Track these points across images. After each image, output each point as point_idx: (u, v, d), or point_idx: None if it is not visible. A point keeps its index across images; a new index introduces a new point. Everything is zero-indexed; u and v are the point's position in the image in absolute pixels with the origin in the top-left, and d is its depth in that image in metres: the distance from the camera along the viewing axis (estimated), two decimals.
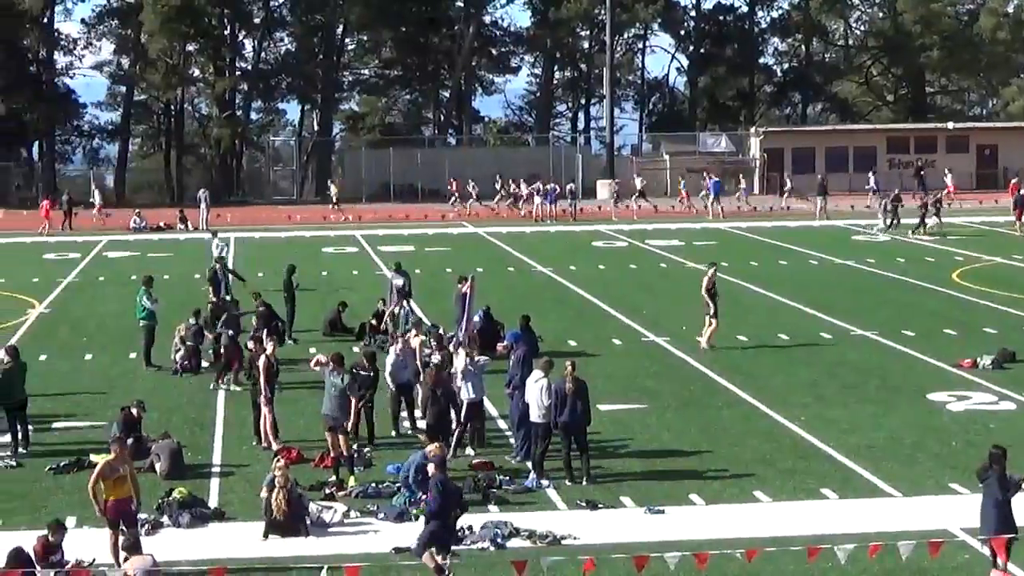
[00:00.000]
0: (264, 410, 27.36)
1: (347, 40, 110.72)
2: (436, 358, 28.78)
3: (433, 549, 19.94)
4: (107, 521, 20.74)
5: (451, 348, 29.91)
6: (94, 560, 20.43)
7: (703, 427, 28.85)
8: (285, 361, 32.11)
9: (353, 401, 25.61)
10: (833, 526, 22.18)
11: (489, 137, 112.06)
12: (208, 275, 40.07)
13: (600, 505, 23.47)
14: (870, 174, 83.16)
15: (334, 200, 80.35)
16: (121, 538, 20.22)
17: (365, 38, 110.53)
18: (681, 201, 78.98)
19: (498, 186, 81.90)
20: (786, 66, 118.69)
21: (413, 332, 31.59)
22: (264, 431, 27.35)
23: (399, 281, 38.98)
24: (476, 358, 27.70)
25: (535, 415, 25.14)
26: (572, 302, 46.26)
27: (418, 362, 29.38)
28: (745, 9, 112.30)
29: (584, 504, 23.51)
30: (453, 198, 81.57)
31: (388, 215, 77.82)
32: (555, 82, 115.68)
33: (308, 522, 22.15)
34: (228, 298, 38.65)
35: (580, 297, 47.13)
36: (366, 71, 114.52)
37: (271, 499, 21.87)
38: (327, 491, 24.05)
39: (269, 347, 28.24)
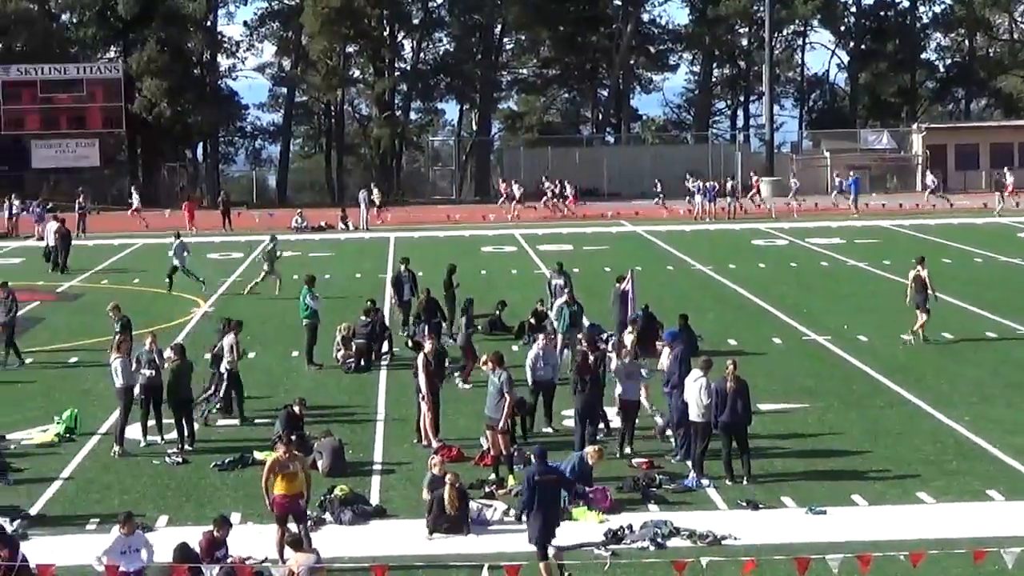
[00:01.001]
0: (424, 408, 27.53)
1: (505, 40, 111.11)
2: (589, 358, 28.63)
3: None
4: (275, 516, 21.02)
5: (609, 347, 29.86)
6: (265, 558, 20.71)
7: (865, 427, 28.52)
8: (451, 361, 32.36)
9: (508, 399, 25.65)
10: (999, 528, 21.83)
11: (647, 135, 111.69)
12: (392, 278, 40.07)
13: (761, 505, 23.32)
14: None
15: (377, 204, 78.74)
16: (286, 534, 20.48)
17: (523, 37, 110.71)
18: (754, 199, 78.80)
19: (545, 186, 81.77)
20: (949, 61, 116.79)
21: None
22: (424, 429, 27.51)
23: (559, 281, 39.02)
24: (635, 361, 27.51)
25: (694, 414, 25.02)
26: (731, 300, 45.97)
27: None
28: (907, 4, 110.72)
29: (745, 504, 23.37)
30: (501, 199, 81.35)
31: (544, 215, 77.81)
32: (714, 79, 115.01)
33: (469, 520, 22.24)
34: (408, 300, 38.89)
35: (739, 295, 46.83)
36: (524, 70, 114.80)
37: (444, 496, 21.99)
38: (487, 489, 24.14)
39: (428, 345, 28.41)
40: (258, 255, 48.07)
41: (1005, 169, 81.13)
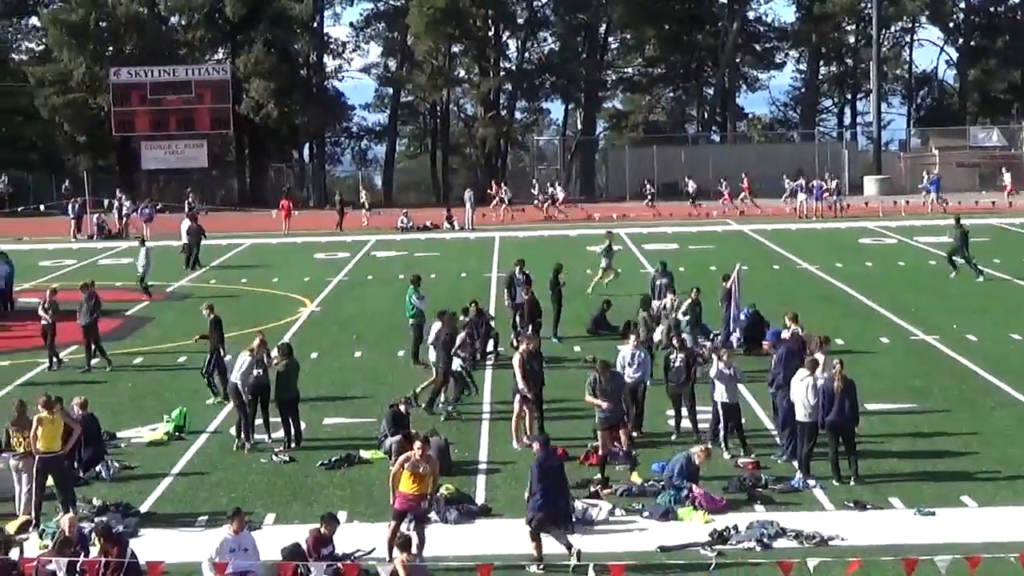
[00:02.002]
0: (515, 406, 27.56)
1: (610, 39, 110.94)
2: (678, 358, 28.47)
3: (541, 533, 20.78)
4: (394, 512, 21.16)
5: (714, 345, 29.75)
6: (372, 548, 20.82)
7: (975, 427, 28.20)
8: (549, 360, 32.35)
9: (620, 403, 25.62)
10: None
11: (753, 134, 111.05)
12: (506, 279, 40.06)
13: (868, 506, 23.14)
14: None
15: (366, 207, 78.56)
16: (398, 535, 20.53)
17: (628, 36, 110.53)
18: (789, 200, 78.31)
19: (535, 190, 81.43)
20: None
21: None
22: (513, 428, 27.54)
23: (663, 280, 38.95)
24: (732, 363, 27.30)
25: (801, 414, 24.87)
26: (838, 299, 45.63)
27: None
28: (1017, 0, 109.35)
29: (852, 504, 23.19)
30: (495, 200, 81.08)
31: (654, 213, 77.62)
32: (820, 77, 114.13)
33: (574, 519, 22.23)
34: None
35: (846, 294, 46.47)
36: (629, 69, 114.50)
37: None
38: (592, 489, 24.12)
39: (524, 345, 28.43)
40: (599, 251, 48.13)
41: None
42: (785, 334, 29.43)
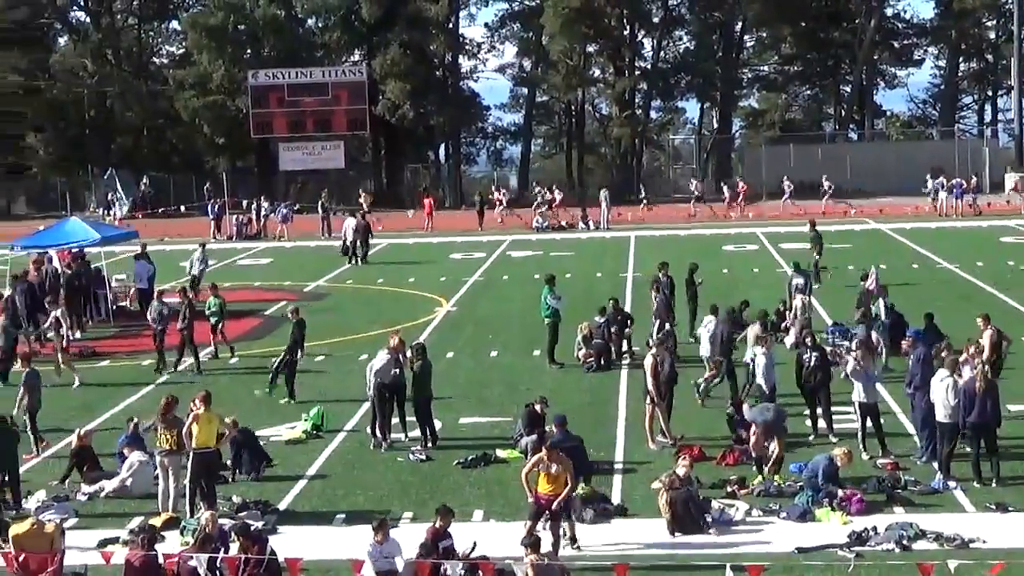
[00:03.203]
0: (647, 407, 27.49)
1: (746, 37, 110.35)
2: (812, 357, 28.21)
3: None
4: (531, 510, 21.21)
5: (853, 346, 29.47)
6: (474, 545, 20.83)
7: None
8: (686, 359, 32.25)
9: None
10: None
11: (891, 131, 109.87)
12: (651, 280, 39.96)
13: (1011, 508, 22.78)
14: None
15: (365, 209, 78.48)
16: (529, 535, 20.54)
17: (764, 34, 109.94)
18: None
19: (535, 192, 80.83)
20: None
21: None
22: (647, 427, 27.47)
23: (799, 280, 38.66)
24: (867, 362, 27.01)
25: (941, 415, 24.55)
26: (978, 299, 44.91)
27: None
28: None
29: (994, 507, 22.85)
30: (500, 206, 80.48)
31: (792, 212, 77.03)
32: (960, 73, 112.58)
33: (711, 519, 22.15)
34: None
35: (986, 293, 45.79)
36: (765, 67, 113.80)
37: (674, 497, 21.96)
38: (729, 489, 24.00)
39: (656, 347, 28.36)
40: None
41: None
42: (986, 336, 29.32)
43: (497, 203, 79.98)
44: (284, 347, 33.33)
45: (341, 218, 67.96)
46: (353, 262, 59.87)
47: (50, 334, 37.87)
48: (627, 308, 36.96)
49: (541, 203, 77.83)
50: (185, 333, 36.15)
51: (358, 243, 60.69)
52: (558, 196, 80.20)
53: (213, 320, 37.84)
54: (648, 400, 27.45)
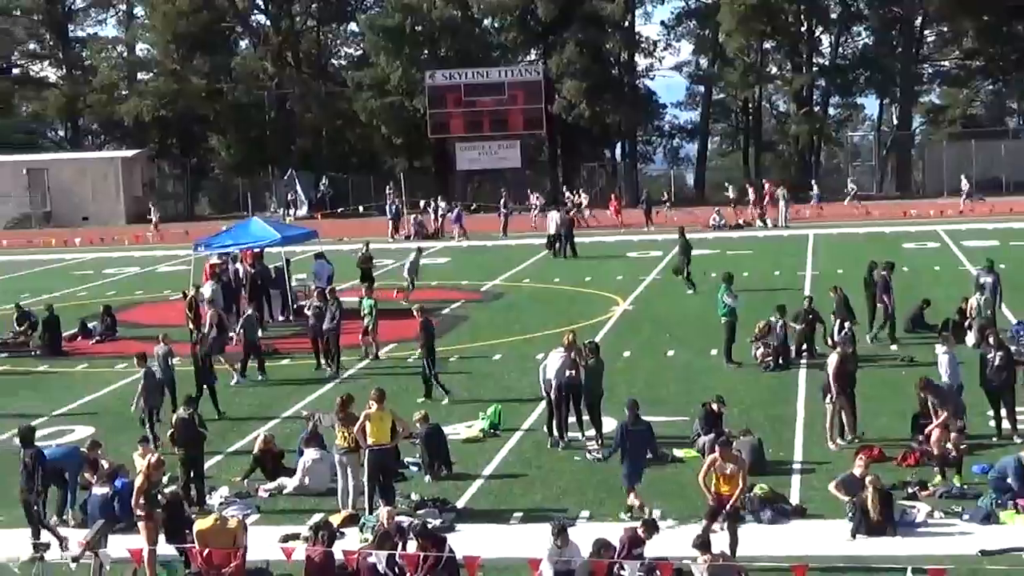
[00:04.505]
0: (827, 407, 27.18)
1: (926, 32, 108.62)
2: (996, 356, 27.66)
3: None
4: (706, 511, 21.12)
5: None
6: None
7: None
8: (864, 358, 31.88)
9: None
10: None
11: None
12: (865, 278, 39.49)
13: None
14: None
15: (584, 204, 78.78)
16: (701, 534, 20.45)
17: (945, 29, 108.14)
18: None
19: (567, 195, 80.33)
20: None
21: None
22: (828, 427, 27.16)
23: (989, 279, 37.86)
24: None
25: None
26: None
27: None
28: None
29: None
30: (534, 209, 79.54)
31: (994, 209, 75.73)
32: None
33: (894, 522, 21.84)
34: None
35: None
36: (946, 62, 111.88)
37: (866, 498, 21.67)
38: (909, 490, 23.64)
39: (839, 346, 28.02)
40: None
41: None
42: None
43: (666, 203, 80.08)
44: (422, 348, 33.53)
45: (519, 217, 68.49)
46: (562, 255, 61.54)
47: (230, 333, 38.42)
48: (803, 306, 36.50)
49: (571, 207, 77.40)
50: (334, 334, 36.63)
51: (564, 237, 62.39)
52: (584, 200, 79.93)
53: (366, 321, 38.17)
54: (829, 399, 27.16)
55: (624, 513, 22.98)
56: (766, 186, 78.83)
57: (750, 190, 78.08)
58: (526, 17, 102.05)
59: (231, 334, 37.83)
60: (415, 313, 34.50)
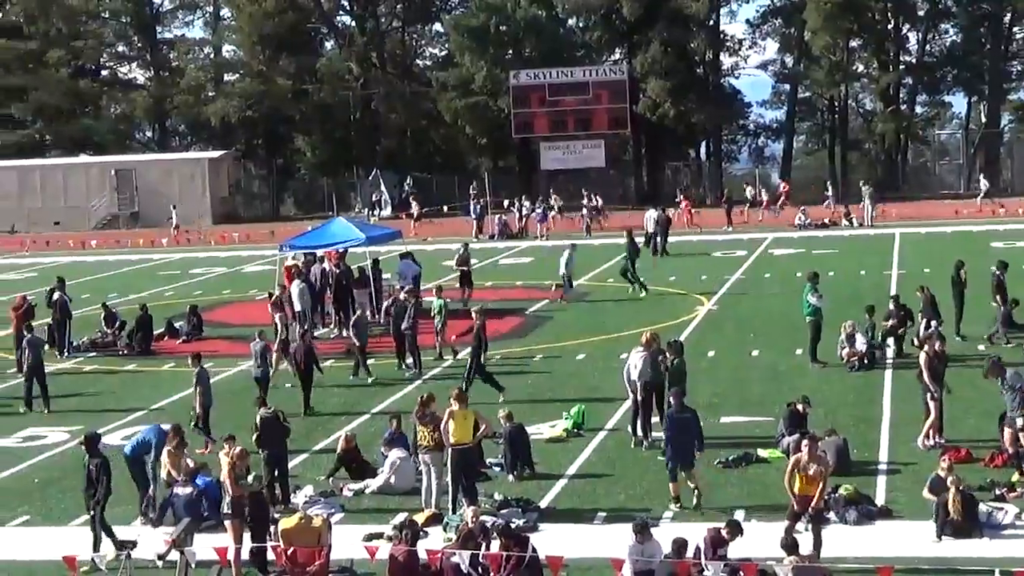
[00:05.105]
0: (930, 406, 26.96)
1: (1015, 28, 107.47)
2: None
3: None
4: (789, 512, 21.05)
5: None
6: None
7: None
8: (951, 358, 31.61)
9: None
10: None
11: None
12: (952, 277, 39.18)
13: None
14: None
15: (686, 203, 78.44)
16: (786, 536, 20.36)
17: None
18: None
19: (585, 200, 78.97)
20: None
21: None
22: (927, 428, 26.95)
23: None
24: None
25: None
26: None
27: None
28: None
29: None
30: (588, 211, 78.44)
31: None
32: None
33: (980, 523, 21.63)
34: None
35: None
36: None
37: (947, 499, 21.50)
38: (997, 492, 23.41)
39: (931, 345, 27.78)
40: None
41: None
42: None
43: (760, 202, 79.80)
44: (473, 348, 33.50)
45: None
46: (656, 254, 61.51)
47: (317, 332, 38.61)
48: (890, 307, 36.24)
49: (587, 209, 76.98)
50: (410, 333, 36.74)
51: (658, 234, 62.80)
52: (599, 202, 79.52)
53: (436, 321, 38.23)
54: (929, 397, 26.92)
55: (672, 504, 23.50)
56: (780, 186, 78.46)
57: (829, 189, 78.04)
58: (610, 16, 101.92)
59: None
60: (474, 315, 34.53)
